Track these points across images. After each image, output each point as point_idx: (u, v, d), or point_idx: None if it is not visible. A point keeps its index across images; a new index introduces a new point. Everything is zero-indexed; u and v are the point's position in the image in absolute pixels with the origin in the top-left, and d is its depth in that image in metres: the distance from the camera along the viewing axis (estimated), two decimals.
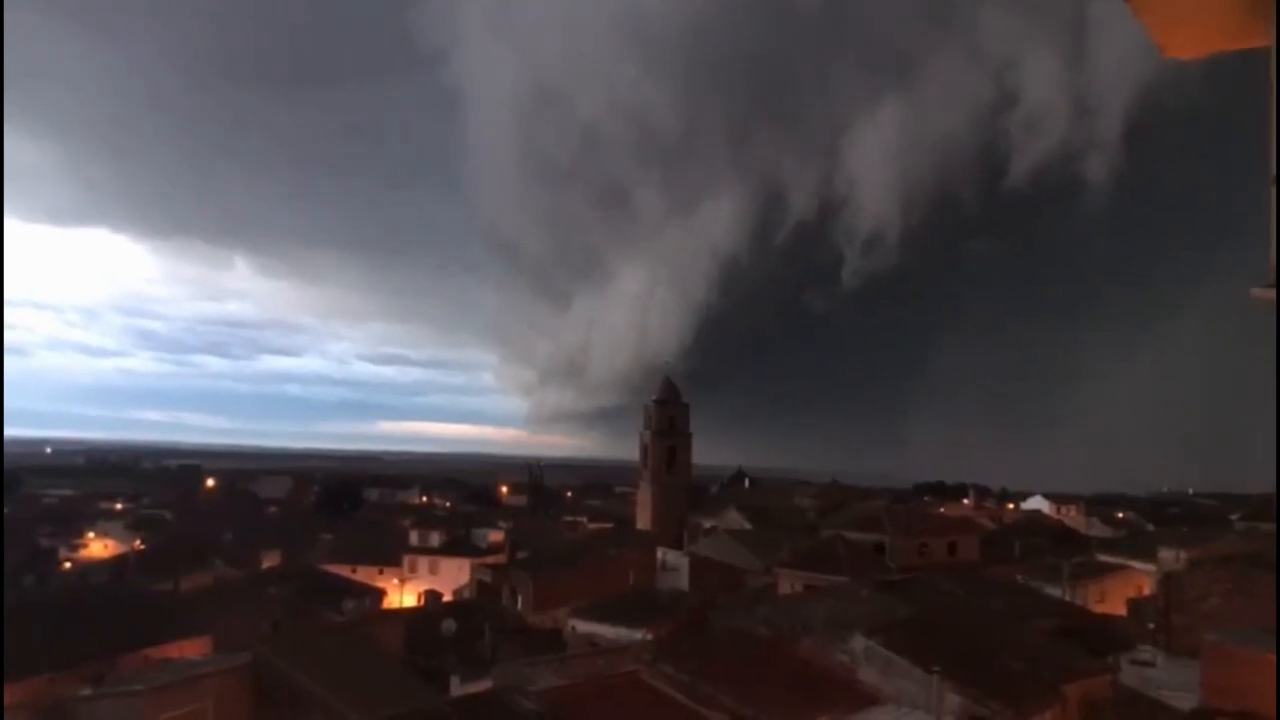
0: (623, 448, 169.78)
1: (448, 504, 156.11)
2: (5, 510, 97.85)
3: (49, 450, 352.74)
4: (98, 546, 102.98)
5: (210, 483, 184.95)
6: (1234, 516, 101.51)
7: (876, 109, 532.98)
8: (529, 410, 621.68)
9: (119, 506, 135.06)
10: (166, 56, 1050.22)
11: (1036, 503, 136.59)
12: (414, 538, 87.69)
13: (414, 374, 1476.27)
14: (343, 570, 75.63)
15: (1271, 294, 3.28)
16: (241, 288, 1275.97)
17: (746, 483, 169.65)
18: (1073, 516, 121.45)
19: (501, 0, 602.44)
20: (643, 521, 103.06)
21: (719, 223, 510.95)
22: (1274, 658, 22.93)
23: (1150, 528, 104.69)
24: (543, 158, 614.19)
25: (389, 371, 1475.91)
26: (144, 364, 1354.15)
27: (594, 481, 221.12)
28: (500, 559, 78.28)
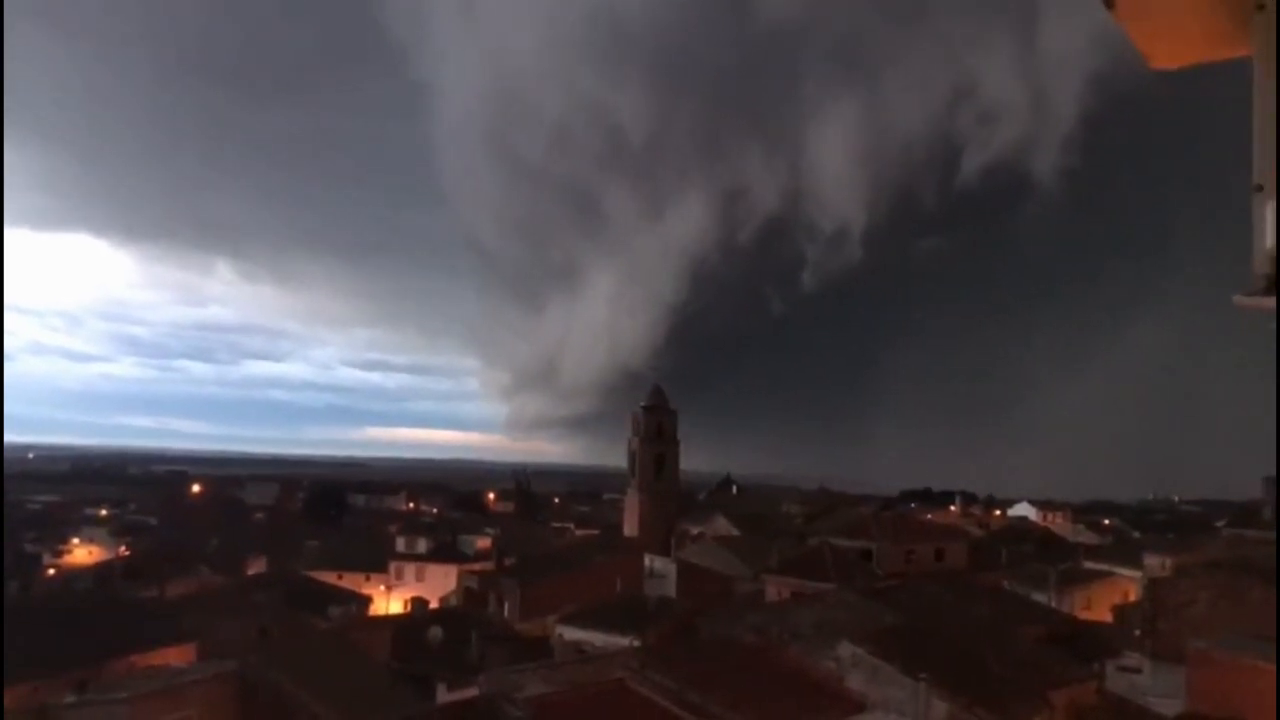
0: (609, 454, 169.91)
1: (434, 510, 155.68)
2: None
3: (31, 456, 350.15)
4: (83, 553, 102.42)
5: (196, 489, 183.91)
6: (1219, 523, 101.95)
7: (843, 110, 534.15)
8: (508, 416, 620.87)
9: (104, 512, 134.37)
10: (144, 60, 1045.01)
11: (1023, 509, 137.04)
12: (401, 544, 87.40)
13: (398, 380, 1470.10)
14: (329, 577, 75.28)
15: (1257, 302, 3.30)
16: (223, 292, 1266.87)
17: (734, 489, 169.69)
18: (1059, 523, 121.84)
19: (474, 8, 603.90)
20: (630, 528, 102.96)
21: (691, 227, 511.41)
22: (1260, 664, 23.06)
23: (1136, 534, 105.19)
24: (515, 162, 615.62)
25: (373, 377, 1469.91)
26: (128, 369, 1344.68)
27: (581, 488, 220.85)
28: (487, 566, 78.12)
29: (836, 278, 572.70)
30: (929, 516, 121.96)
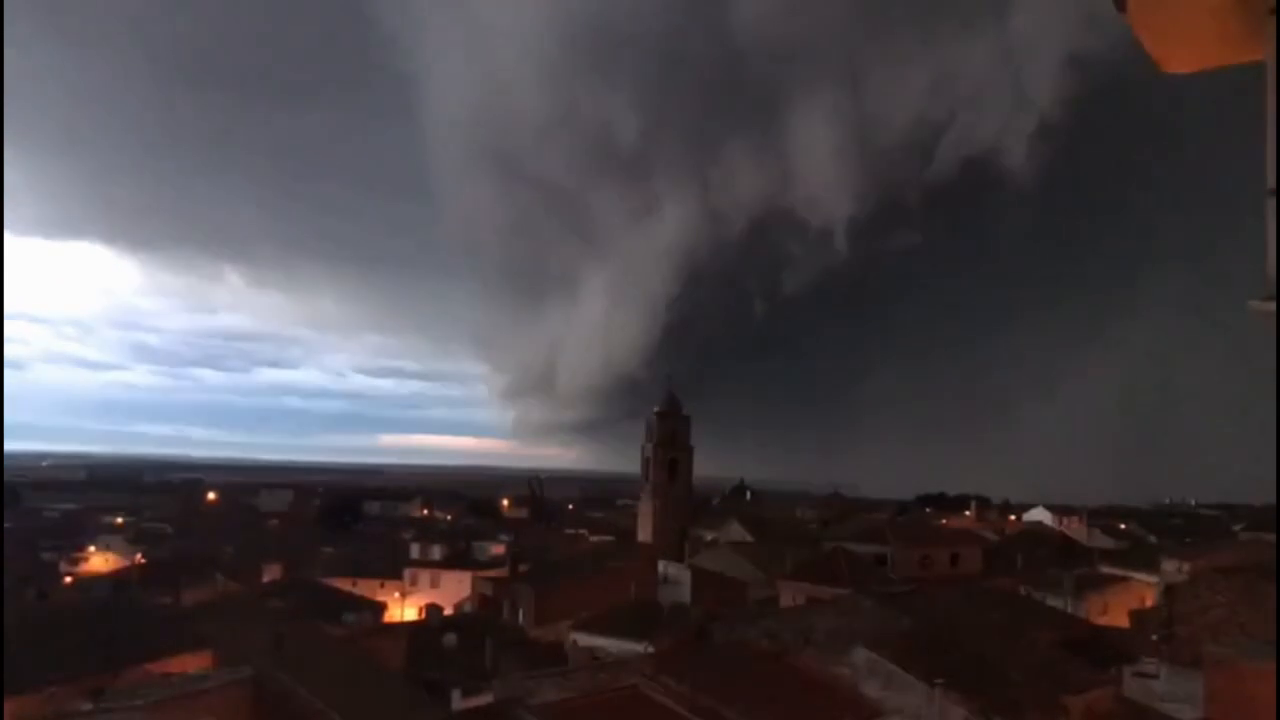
0: (622, 460, 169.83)
1: (449, 517, 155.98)
2: (6, 525, 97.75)
3: (45, 464, 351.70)
4: (99, 560, 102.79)
5: (211, 496, 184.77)
6: (1237, 527, 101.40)
7: (835, 104, 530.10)
8: (514, 421, 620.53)
9: (120, 520, 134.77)
10: (147, 67, 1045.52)
11: (1038, 514, 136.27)
12: (415, 551, 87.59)
13: (412, 386, 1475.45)
14: (344, 583, 75.48)
15: (1270, 307, 3.28)
16: (232, 300, 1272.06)
17: (748, 495, 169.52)
18: (1075, 528, 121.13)
19: (467, 14, 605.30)
20: (644, 534, 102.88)
21: (687, 229, 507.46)
22: (1277, 669, 22.84)
23: (1153, 539, 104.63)
24: (507, 165, 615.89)
25: (386, 384, 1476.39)
26: (142, 377, 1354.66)
27: (595, 494, 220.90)
28: (502, 572, 78.23)
29: (837, 278, 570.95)
30: (944, 521, 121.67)
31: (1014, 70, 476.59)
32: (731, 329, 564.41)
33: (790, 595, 58.97)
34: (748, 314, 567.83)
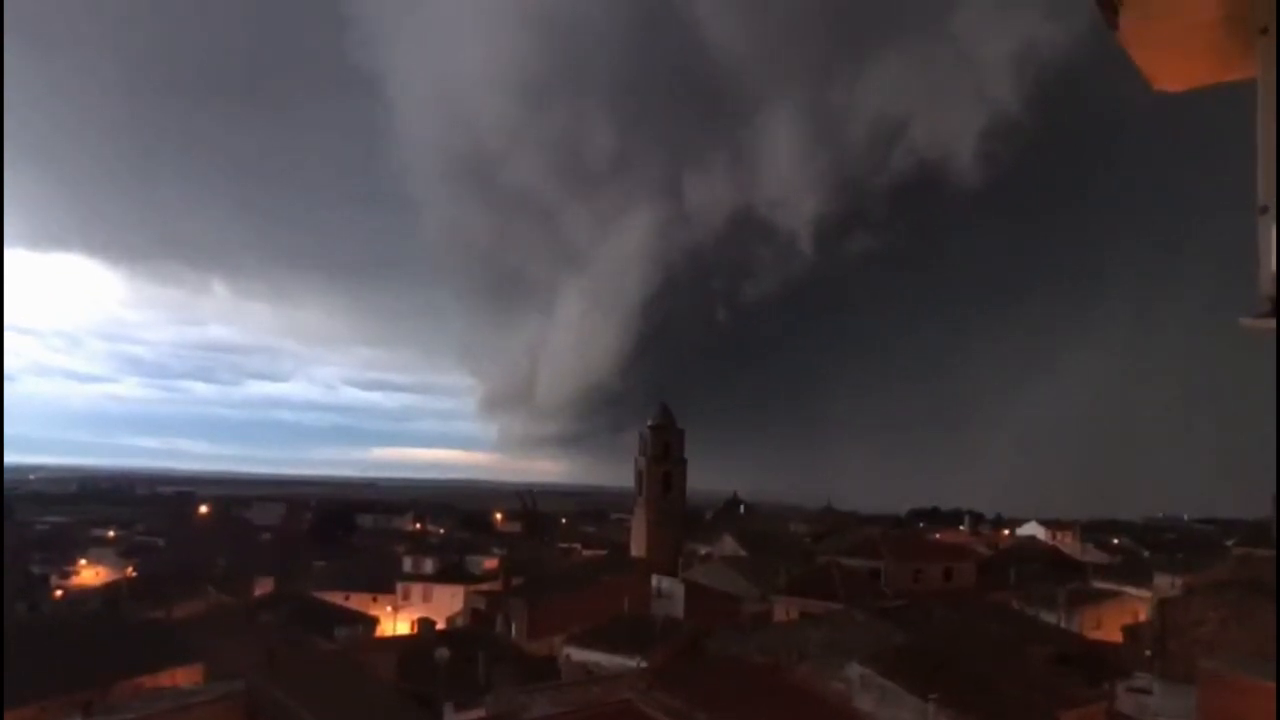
0: (613, 474, 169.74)
1: (441, 530, 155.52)
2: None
3: (34, 477, 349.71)
4: (90, 574, 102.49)
5: (203, 509, 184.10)
6: (1230, 542, 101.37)
7: (804, 107, 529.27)
8: (499, 434, 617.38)
9: (111, 534, 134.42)
10: (131, 78, 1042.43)
11: (1031, 529, 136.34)
12: (407, 564, 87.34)
13: (402, 399, 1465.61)
14: (336, 597, 75.25)
15: (1264, 324, 3.31)
16: (220, 312, 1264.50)
17: (741, 509, 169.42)
18: (1068, 542, 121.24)
19: (436, 33, 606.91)
20: (637, 548, 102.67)
21: (663, 239, 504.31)
22: (1272, 685, 22.89)
23: (1146, 554, 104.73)
24: (481, 178, 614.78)
25: (377, 397, 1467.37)
26: (131, 390, 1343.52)
27: (588, 507, 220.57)
28: (494, 586, 77.92)
29: (810, 288, 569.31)
30: (937, 536, 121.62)
31: (975, 74, 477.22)
32: (715, 340, 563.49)
33: (784, 610, 58.86)
34: (731, 325, 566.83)
